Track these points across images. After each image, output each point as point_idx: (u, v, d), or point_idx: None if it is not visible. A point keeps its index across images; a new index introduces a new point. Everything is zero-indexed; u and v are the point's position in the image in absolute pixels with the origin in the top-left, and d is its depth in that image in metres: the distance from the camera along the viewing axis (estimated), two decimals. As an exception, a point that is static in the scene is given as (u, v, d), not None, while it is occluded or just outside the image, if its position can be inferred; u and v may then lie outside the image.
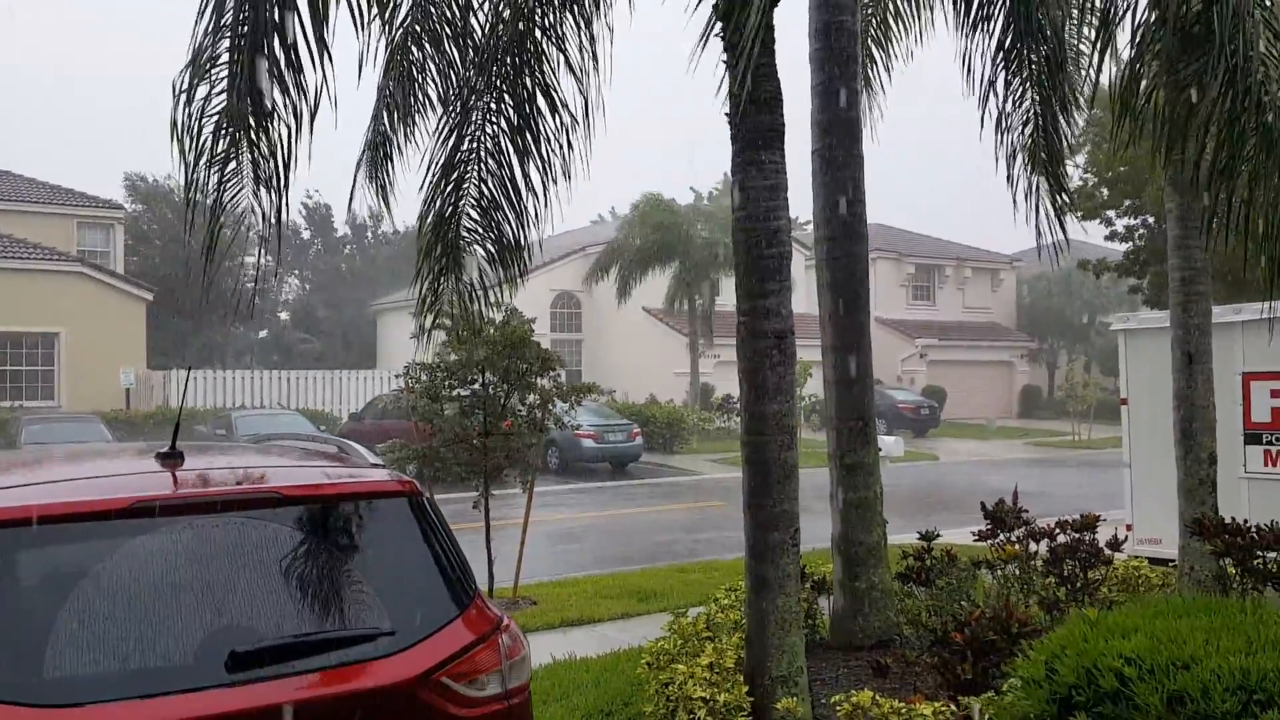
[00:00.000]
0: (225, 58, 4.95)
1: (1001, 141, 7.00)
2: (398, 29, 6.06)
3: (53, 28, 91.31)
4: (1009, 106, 6.80)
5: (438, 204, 6.08)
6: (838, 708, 4.76)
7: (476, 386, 9.40)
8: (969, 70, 7.04)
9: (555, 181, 5.95)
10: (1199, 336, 7.14)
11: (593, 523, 16.27)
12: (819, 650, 6.65)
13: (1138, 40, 5.97)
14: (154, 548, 3.01)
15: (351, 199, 6.36)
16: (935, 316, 43.10)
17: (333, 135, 5.35)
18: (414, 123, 6.33)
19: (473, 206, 6.22)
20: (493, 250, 6.29)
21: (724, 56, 5.41)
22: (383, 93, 6.18)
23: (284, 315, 45.86)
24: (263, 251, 5.28)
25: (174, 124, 4.88)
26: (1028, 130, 6.84)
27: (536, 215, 6.11)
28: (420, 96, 6.29)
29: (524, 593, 9.62)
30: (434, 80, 6.28)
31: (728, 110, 5.41)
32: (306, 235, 47.12)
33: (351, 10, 5.14)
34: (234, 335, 43.80)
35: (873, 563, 6.80)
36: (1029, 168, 6.89)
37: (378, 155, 6.28)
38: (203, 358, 37.93)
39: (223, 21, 4.93)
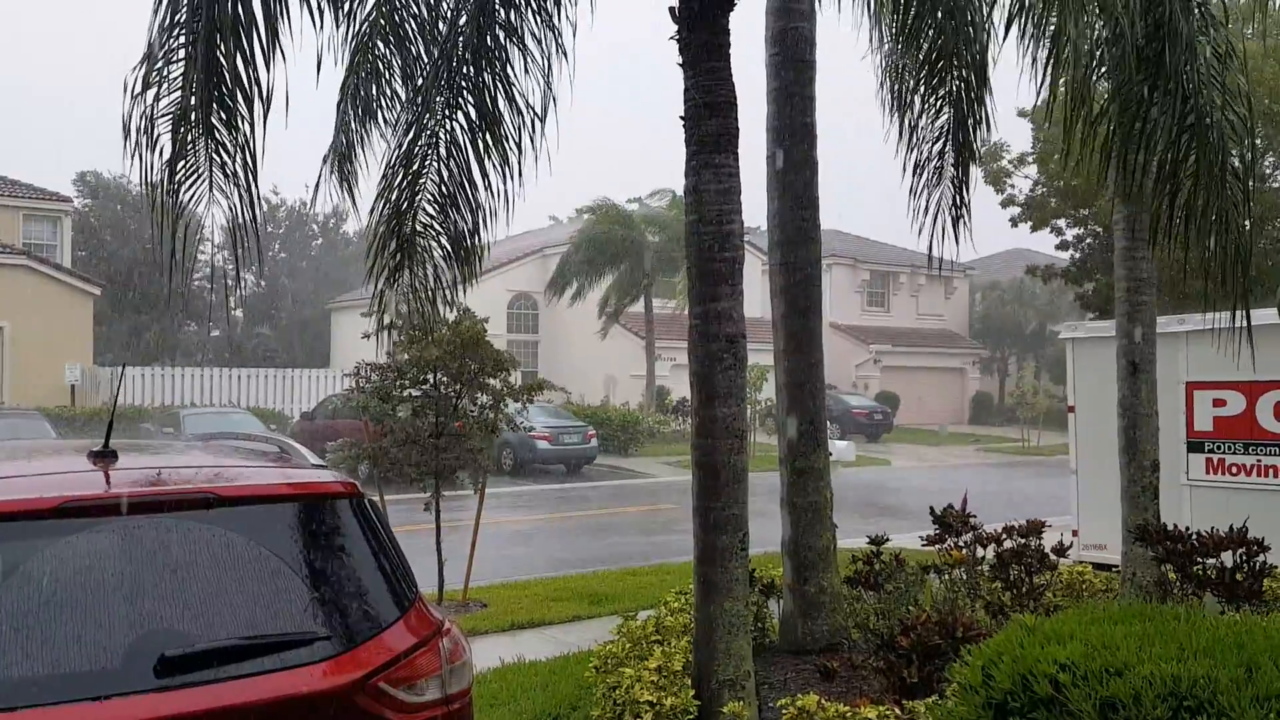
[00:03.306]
0: (181, 54, 4.85)
1: (910, 157, 7.00)
2: (363, 23, 5.99)
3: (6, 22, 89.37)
4: (924, 120, 6.84)
5: (394, 198, 6.00)
6: (783, 711, 4.76)
7: (428, 387, 9.31)
8: (900, 80, 7.02)
9: (514, 179, 5.89)
10: (1144, 346, 7.25)
11: (546, 525, 16.22)
12: (767, 654, 6.67)
13: (1093, 57, 6.05)
14: (83, 549, 2.92)
15: (315, 195, 6.29)
16: (889, 323, 43.58)
17: (285, 133, 5.28)
18: (378, 120, 6.26)
19: (430, 202, 6.15)
20: (449, 247, 6.22)
21: (680, 60, 5.42)
22: (347, 89, 6.10)
23: (238, 312, 45.24)
24: (216, 249, 5.16)
25: (124, 122, 4.78)
26: (936, 147, 6.89)
27: (494, 213, 6.06)
28: (388, 93, 6.23)
29: (474, 595, 9.54)
30: (398, 77, 6.22)
31: (683, 114, 5.41)
32: (268, 229, 46.55)
33: (310, 10, 5.06)
34: (186, 332, 43.16)
35: (822, 567, 6.83)
36: (932, 181, 6.93)
37: (343, 153, 6.21)
38: (153, 354, 37.31)
39: (178, 18, 4.84)
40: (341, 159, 6.24)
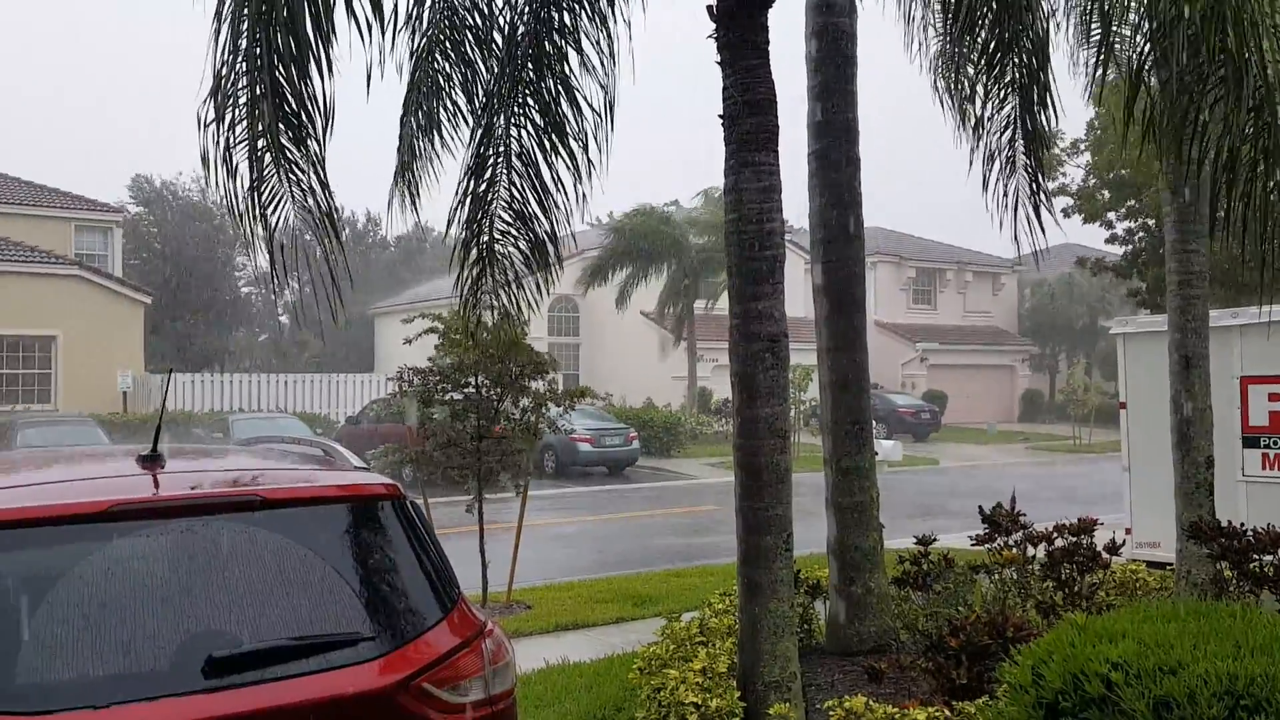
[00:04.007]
0: (245, 82, 4.94)
1: (978, 146, 6.93)
2: (421, 37, 6.05)
3: (66, 29, 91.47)
4: (989, 110, 6.75)
5: (470, 208, 6.07)
6: (831, 713, 4.71)
7: (469, 390, 9.35)
8: (956, 73, 6.97)
9: (584, 179, 5.94)
10: (1196, 340, 7.10)
11: (588, 526, 16.22)
12: (814, 656, 6.61)
13: (1144, 44, 5.92)
14: (132, 551, 2.96)
15: (390, 206, 6.36)
16: (936, 320, 43.09)
17: (341, 147, 5.34)
18: (442, 133, 6.32)
19: (504, 209, 6.21)
20: (527, 251, 6.27)
21: (718, 58, 5.38)
22: (410, 104, 6.17)
23: (284, 318, 45.87)
24: (264, 257, 5.24)
25: (203, 155, 4.91)
26: (1005, 136, 6.80)
27: (570, 213, 6.11)
28: (449, 105, 6.28)
29: (518, 597, 9.56)
30: (459, 90, 6.28)
31: (722, 113, 5.38)
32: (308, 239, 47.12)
33: (359, 27, 5.11)
34: (234, 339, 43.83)
35: (869, 567, 6.76)
36: (1006, 172, 6.83)
37: (408, 166, 6.29)
38: (203, 361, 37.93)
39: (239, 44, 4.93)
40: (406, 171, 6.31)
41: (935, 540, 7.11)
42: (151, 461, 3.37)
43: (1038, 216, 6.75)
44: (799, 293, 22.40)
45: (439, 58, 6.19)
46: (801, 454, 21.62)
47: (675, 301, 31.85)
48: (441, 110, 6.29)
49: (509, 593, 9.48)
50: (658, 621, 6.88)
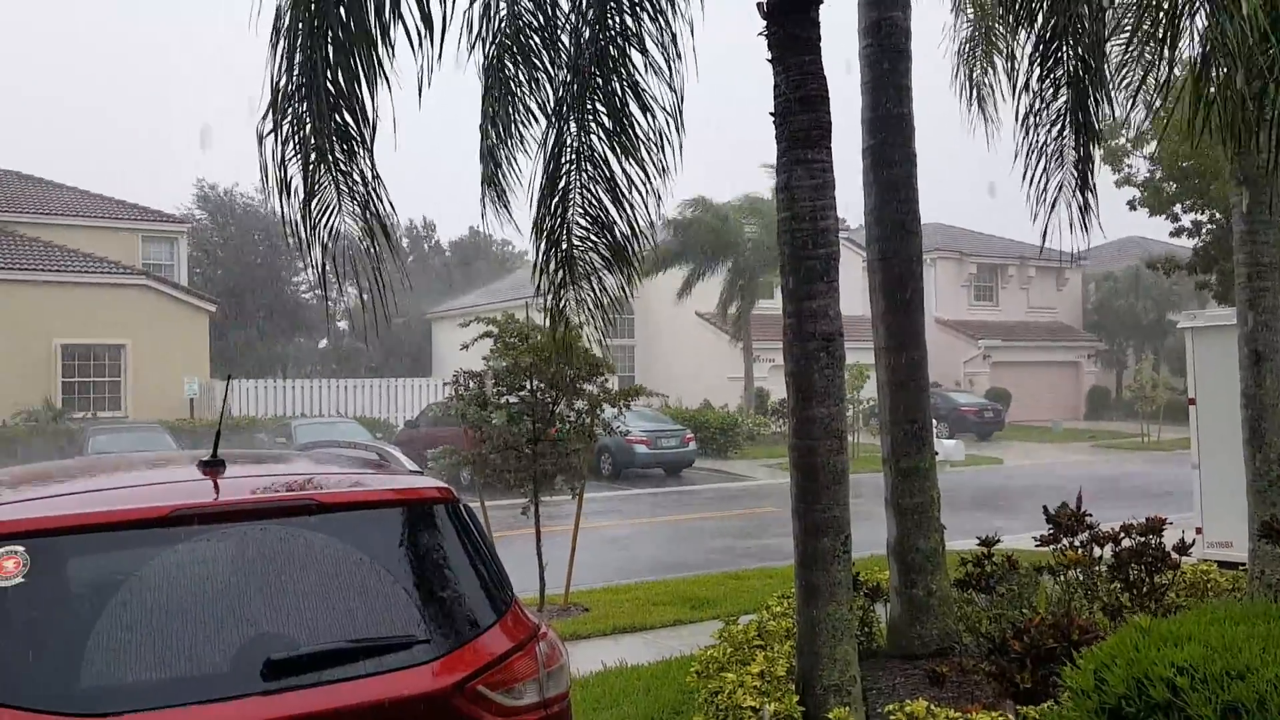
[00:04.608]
0: (299, 97, 5.04)
1: (1026, 140, 6.80)
2: (490, 45, 6.11)
3: (132, 35, 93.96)
4: (1038, 104, 6.62)
5: (547, 216, 6.11)
6: (891, 716, 4.63)
7: (525, 393, 9.39)
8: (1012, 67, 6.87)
9: (656, 178, 5.96)
10: (1266, 333, 6.89)
11: (645, 529, 16.21)
12: (875, 659, 6.52)
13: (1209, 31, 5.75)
14: (193, 555, 3.02)
15: (484, 215, 6.43)
16: (999, 317, 42.35)
17: (393, 154, 5.43)
18: (519, 140, 6.38)
19: (581, 215, 6.24)
20: (607, 255, 6.30)
21: (769, 55, 5.34)
22: (486, 113, 6.24)
23: (343, 324, 46.56)
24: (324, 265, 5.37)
25: (261, 168, 5.05)
26: (1055, 129, 6.65)
27: (647, 212, 6.12)
28: (522, 110, 6.33)
29: (575, 599, 9.58)
30: (532, 94, 6.34)
31: (773, 110, 5.33)
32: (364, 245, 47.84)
33: (410, 39, 5.18)
34: (295, 345, 44.61)
35: (930, 569, 6.65)
36: (1052, 166, 6.69)
37: (492, 174, 6.36)
38: (265, 367, 38.66)
39: (295, 60, 5.02)
40: (492, 180, 6.37)
41: (998, 541, 6.97)
42: (212, 467, 3.42)
43: (1083, 214, 6.60)
44: (857, 290, 22.17)
45: (509, 64, 6.25)
46: (860, 454, 21.41)
47: (731, 301, 31.72)
48: (517, 118, 6.34)
49: (566, 595, 9.50)
50: (715, 624, 6.84)
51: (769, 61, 5.35)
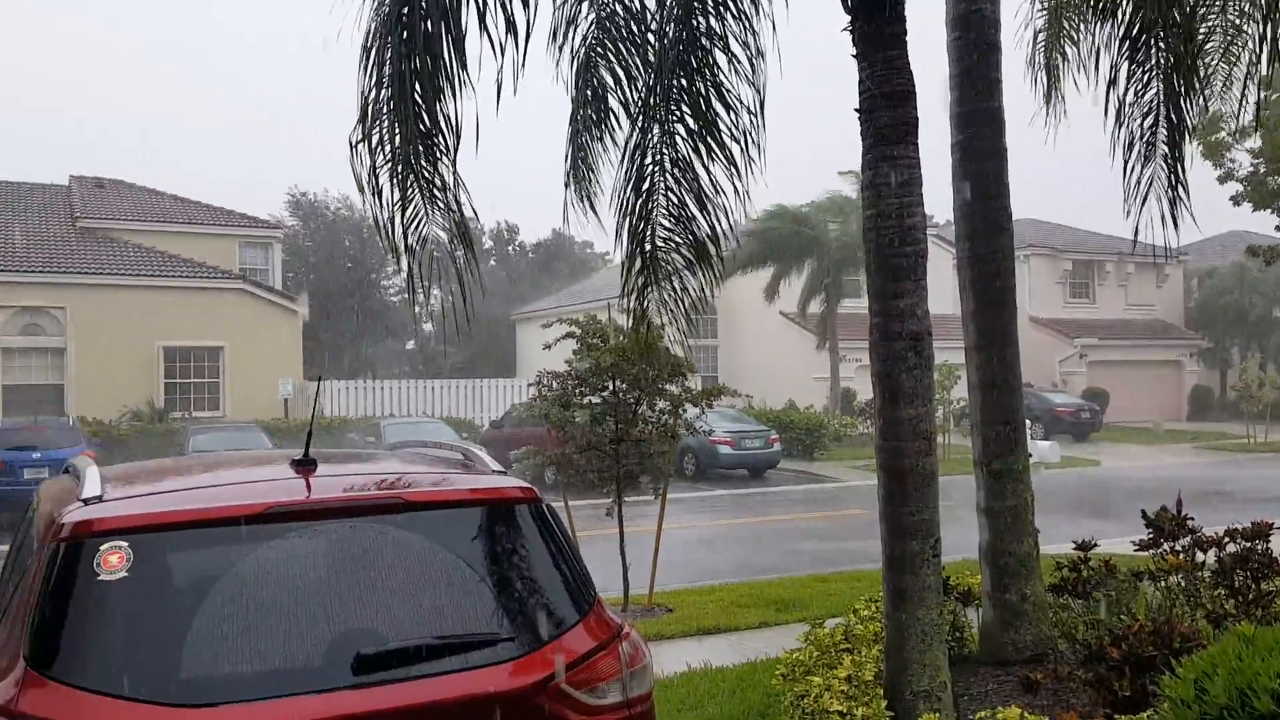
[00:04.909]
0: (387, 109, 5.18)
1: (1118, 134, 6.59)
2: (578, 47, 6.18)
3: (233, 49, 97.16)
4: (1130, 97, 6.40)
5: (632, 218, 6.16)
6: (983, 725, 4.52)
7: (607, 394, 9.42)
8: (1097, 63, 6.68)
9: (740, 178, 5.96)
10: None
11: (729, 530, 16.13)
12: (966, 664, 6.37)
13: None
14: (285, 551, 3.09)
15: (565, 216, 6.51)
16: (1095, 315, 41.07)
17: (475, 158, 5.54)
18: (607, 142, 6.44)
19: (664, 216, 6.27)
20: (690, 256, 6.32)
21: (854, 51, 5.27)
22: (576, 115, 6.31)
23: (428, 326, 47.39)
24: (414, 267, 5.55)
25: (355, 178, 5.22)
26: (1147, 122, 6.43)
27: (729, 213, 6.13)
28: (607, 111, 6.39)
29: (659, 600, 9.57)
30: (618, 95, 6.39)
31: (858, 106, 5.26)
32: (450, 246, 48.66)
33: (494, 47, 5.26)
34: (384, 346, 45.55)
35: (1024, 574, 6.48)
36: (1144, 158, 6.46)
37: (582, 176, 6.43)
38: (355, 368, 39.56)
39: (384, 72, 5.15)
40: (580, 181, 6.43)
41: (1095, 545, 6.78)
42: (304, 466, 3.50)
43: (1173, 210, 6.37)
44: (946, 289, 21.70)
45: (598, 64, 6.29)
46: (951, 455, 20.98)
47: (815, 300, 31.40)
48: (603, 120, 6.39)
49: (650, 595, 9.50)
50: (801, 627, 6.77)
51: (854, 57, 5.27)
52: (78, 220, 29.67)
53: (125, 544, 2.88)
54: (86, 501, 3.07)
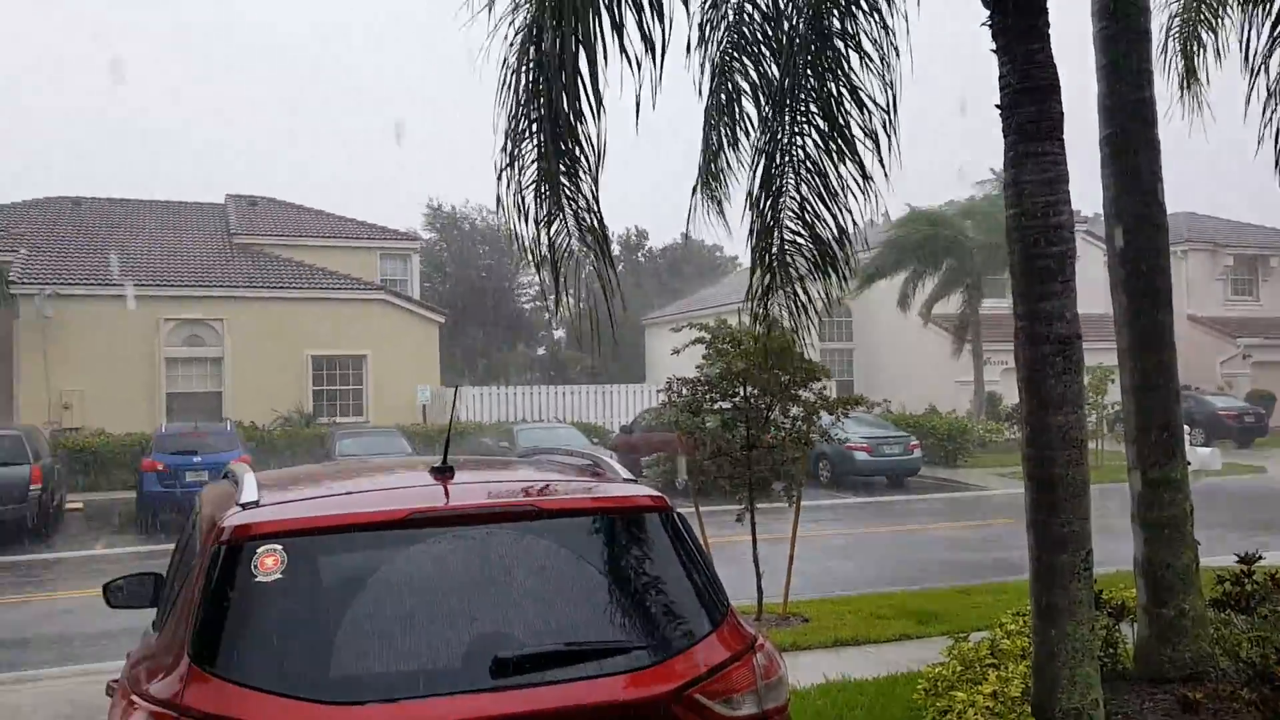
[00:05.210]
0: (531, 129, 5.34)
1: (1268, 120, 6.19)
2: (715, 50, 6.21)
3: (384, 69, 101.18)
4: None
5: (760, 220, 6.17)
6: (1140, 748, 4.30)
7: (738, 399, 9.35)
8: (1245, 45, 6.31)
9: (870, 179, 5.90)
10: None
11: (867, 539, 15.82)
12: (1120, 682, 6.08)
13: None
14: (425, 556, 3.16)
15: (689, 218, 6.60)
16: (1261, 313, 38.62)
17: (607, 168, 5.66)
18: (739, 145, 6.47)
19: (792, 219, 6.26)
20: (816, 259, 6.28)
21: (993, 46, 5.10)
22: (709, 116, 6.36)
23: (559, 333, 48.19)
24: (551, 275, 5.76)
25: (499, 199, 5.46)
26: None
27: (861, 214, 6.08)
28: (739, 115, 6.42)
29: (794, 609, 9.44)
30: (749, 99, 6.41)
31: (998, 102, 5.09)
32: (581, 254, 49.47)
33: (630, 63, 5.33)
34: (517, 352, 46.51)
35: (1182, 588, 6.14)
36: None
37: (712, 177, 6.47)
38: (489, 375, 40.50)
39: (522, 96, 5.31)
40: (709, 181, 6.46)
41: (1260, 558, 6.38)
42: (443, 473, 3.58)
43: None
44: (1098, 287, 20.80)
45: (736, 75, 6.31)
46: (1105, 462, 20.09)
47: (954, 302, 30.57)
48: (735, 123, 6.40)
49: (785, 605, 9.38)
50: (943, 641, 6.59)
51: (993, 52, 5.12)
52: (233, 237, 31.37)
53: (280, 547, 3.00)
54: (244, 506, 3.21)
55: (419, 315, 30.18)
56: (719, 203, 6.50)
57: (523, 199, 5.46)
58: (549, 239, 5.62)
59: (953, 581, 11.21)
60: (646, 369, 42.91)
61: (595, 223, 5.56)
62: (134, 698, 2.97)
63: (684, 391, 9.60)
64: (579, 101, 5.18)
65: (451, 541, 3.18)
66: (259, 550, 2.98)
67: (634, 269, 53.60)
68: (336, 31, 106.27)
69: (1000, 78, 5.07)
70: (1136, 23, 6.49)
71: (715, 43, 6.23)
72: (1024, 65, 4.96)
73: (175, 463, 17.60)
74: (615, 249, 52.50)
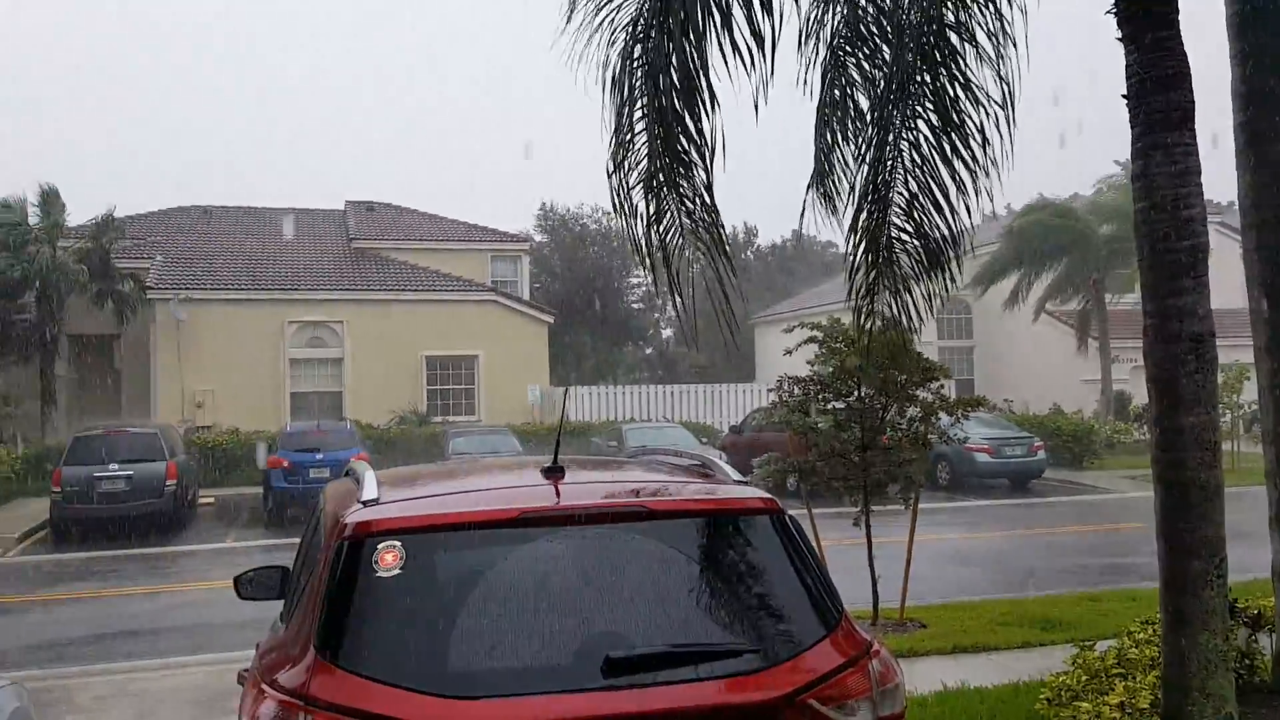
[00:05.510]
0: (639, 128, 5.39)
1: None
2: (827, 46, 6.18)
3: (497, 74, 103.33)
4: None
5: (866, 216, 6.10)
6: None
7: (852, 399, 9.19)
8: None
9: (985, 175, 5.78)
10: None
11: (987, 543, 15.39)
12: (1256, 694, 5.78)
13: None
14: (536, 555, 3.20)
15: (803, 214, 6.58)
16: None
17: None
18: (849, 141, 6.42)
19: (899, 215, 6.19)
20: (922, 255, 6.18)
21: (1119, 34, 4.92)
22: (821, 113, 6.34)
23: (667, 332, 48.25)
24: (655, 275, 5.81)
25: (612, 199, 5.55)
26: None
27: (971, 212, 5.96)
28: (851, 110, 6.37)
29: (911, 614, 9.24)
30: (862, 95, 6.36)
31: (1125, 91, 4.91)
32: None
33: (743, 61, 5.31)
34: (625, 352, 46.79)
35: (1325, 597, 5.81)
36: None
37: (824, 174, 6.45)
38: (598, 374, 40.83)
39: (632, 95, 5.36)
40: (822, 179, 6.42)
41: None
42: (553, 474, 3.62)
43: None
44: (1234, 281, 19.77)
45: (850, 69, 6.25)
46: (1240, 465, 19.15)
47: (1079, 298, 29.51)
48: (846, 120, 6.33)
49: (902, 610, 9.19)
50: (1068, 649, 6.37)
51: (1119, 40, 4.94)
52: (352, 241, 32.40)
53: (399, 543, 3.08)
54: (365, 503, 3.30)
55: (529, 316, 30.68)
56: (831, 200, 6.43)
57: (631, 197, 5.51)
58: (659, 237, 5.63)
59: (1078, 588, 10.83)
60: (756, 368, 42.64)
61: (710, 220, 5.55)
62: (263, 687, 3.09)
63: (795, 391, 9.48)
64: (691, 97, 5.19)
65: (562, 541, 3.22)
66: (380, 546, 3.06)
67: (743, 266, 53.37)
68: (457, 39, 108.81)
69: (1127, 67, 4.91)
70: (1274, 3, 6.15)
71: (824, 39, 6.16)
72: (1152, 53, 4.79)
73: (299, 460, 18.31)
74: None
